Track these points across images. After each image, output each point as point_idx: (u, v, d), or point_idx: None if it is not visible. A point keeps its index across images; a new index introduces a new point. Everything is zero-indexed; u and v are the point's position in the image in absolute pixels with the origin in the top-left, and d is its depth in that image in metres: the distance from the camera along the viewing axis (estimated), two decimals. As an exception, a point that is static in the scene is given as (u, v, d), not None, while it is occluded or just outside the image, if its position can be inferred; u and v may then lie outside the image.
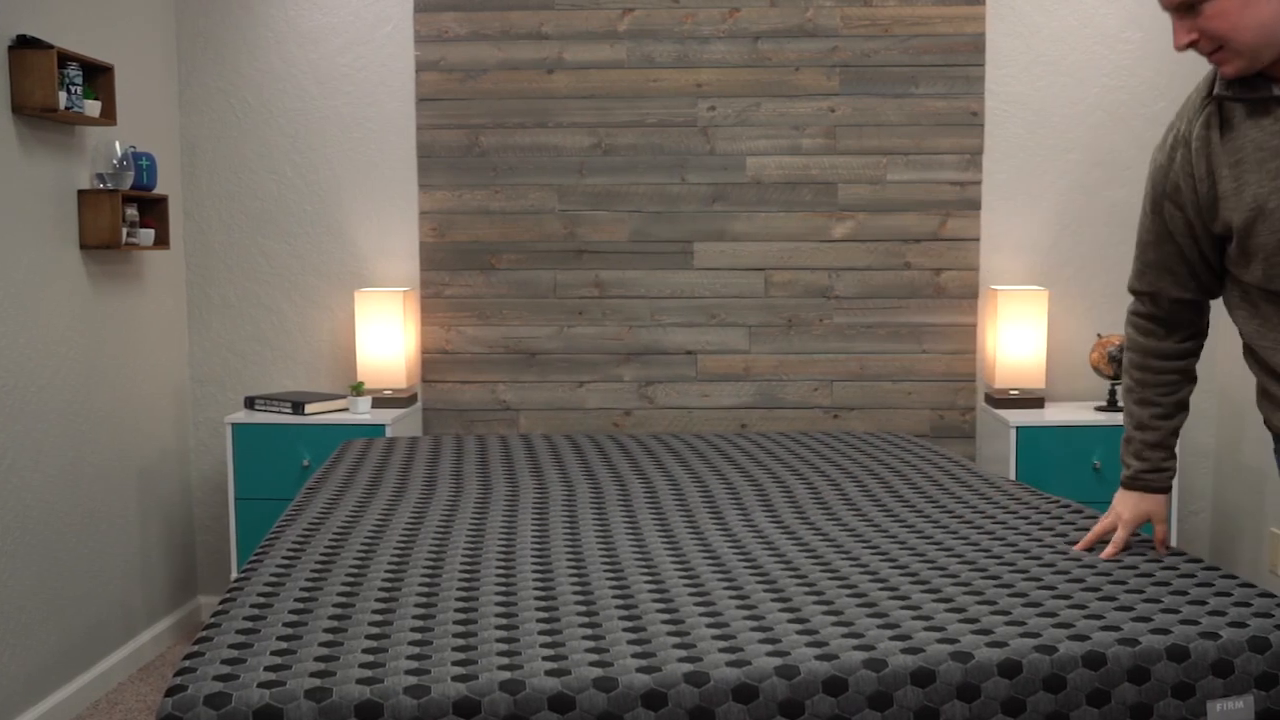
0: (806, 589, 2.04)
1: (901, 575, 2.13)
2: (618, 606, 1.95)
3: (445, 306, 4.22)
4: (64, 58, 3.29)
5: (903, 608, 1.93)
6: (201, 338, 4.28)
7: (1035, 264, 4.19)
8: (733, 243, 4.17)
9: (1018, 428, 3.83)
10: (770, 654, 1.72)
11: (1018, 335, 4.00)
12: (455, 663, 1.71)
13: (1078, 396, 4.23)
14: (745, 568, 2.19)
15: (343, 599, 2.01)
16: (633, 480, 3.02)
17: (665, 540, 2.41)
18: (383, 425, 3.88)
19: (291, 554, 2.29)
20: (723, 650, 1.74)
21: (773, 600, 1.98)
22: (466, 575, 2.13)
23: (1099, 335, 4.13)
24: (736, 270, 4.18)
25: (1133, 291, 2.15)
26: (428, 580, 2.11)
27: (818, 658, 1.70)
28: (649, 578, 2.12)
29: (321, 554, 2.29)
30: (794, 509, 2.69)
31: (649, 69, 4.14)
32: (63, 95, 3.25)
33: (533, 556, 2.27)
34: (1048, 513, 2.61)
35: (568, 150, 4.16)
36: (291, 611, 1.94)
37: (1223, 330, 4.15)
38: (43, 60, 3.16)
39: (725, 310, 4.19)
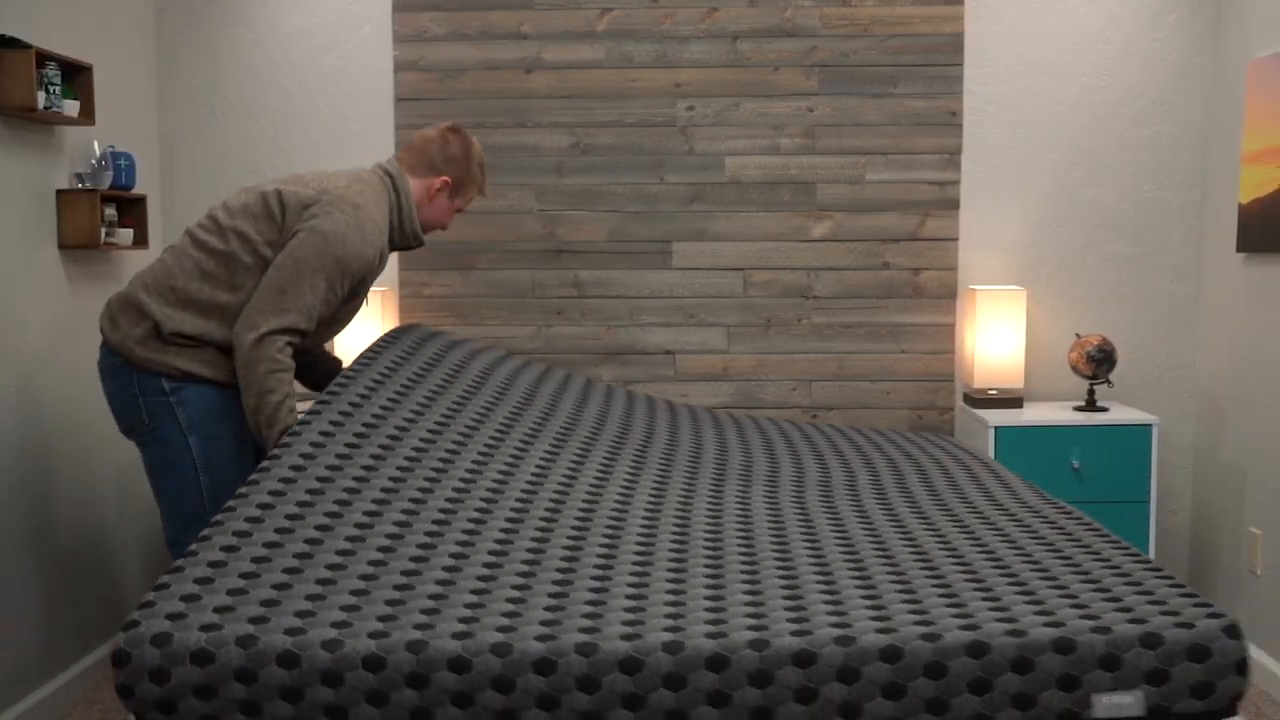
0: (712, 571, 2.12)
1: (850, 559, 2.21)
2: (633, 572, 2.03)
3: (424, 306, 4.31)
4: (43, 57, 3.36)
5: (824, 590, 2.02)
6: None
7: (1014, 264, 4.28)
8: (712, 242, 4.26)
9: (996, 427, 3.91)
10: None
11: (996, 335, 4.08)
12: (379, 618, 1.87)
13: (1056, 396, 4.32)
14: (707, 542, 2.27)
15: (308, 545, 2.13)
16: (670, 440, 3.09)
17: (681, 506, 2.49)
18: (361, 424, 3.95)
19: (279, 489, 2.36)
20: (745, 620, 1.82)
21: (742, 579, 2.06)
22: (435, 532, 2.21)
23: (1078, 335, 4.21)
24: (715, 270, 4.27)
25: (298, 330, 2.84)
26: (394, 532, 2.20)
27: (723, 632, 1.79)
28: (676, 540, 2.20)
29: (305, 494, 2.35)
30: (768, 489, 2.78)
31: (628, 69, 4.23)
32: (41, 95, 3.33)
33: (538, 520, 2.34)
34: (1038, 511, 2.69)
35: (547, 150, 4.25)
36: (254, 559, 2.07)
37: (1202, 329, 4.24)
38: (21, 60, 3.23)
39: (704, 310, 4.28)
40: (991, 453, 3.91)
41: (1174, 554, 4.36)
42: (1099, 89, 4.22)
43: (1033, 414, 4.02)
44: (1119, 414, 4.00)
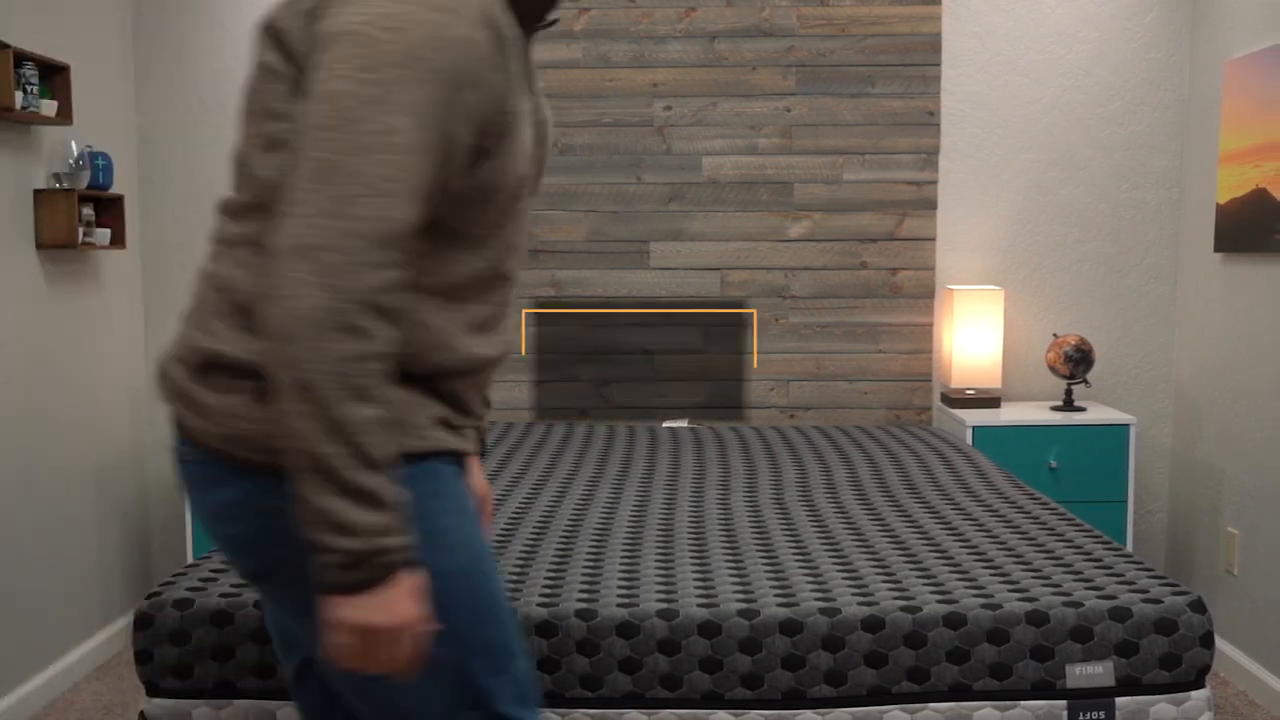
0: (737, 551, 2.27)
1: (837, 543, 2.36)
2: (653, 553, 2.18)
3: (403, 306, 4.44)
4: (20, 57, 3.48)
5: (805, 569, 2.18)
6: (158, 337, 4.51)
7: (991, 264, 4.42)
8: (689, 242, 4.41)
9: (974, 427, 4.04)
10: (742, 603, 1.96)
11: (974, 335, 4.22)
12: None
13: (1033, 396, 4.46)
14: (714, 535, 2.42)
15: None
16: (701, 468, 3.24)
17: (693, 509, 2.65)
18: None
19: None
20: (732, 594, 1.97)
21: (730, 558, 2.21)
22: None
23: (1055, 335, 4.36)
24: (693, 270, 4.41)
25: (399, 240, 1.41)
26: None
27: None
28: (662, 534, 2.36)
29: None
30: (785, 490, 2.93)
31: (605, 69, 4.38)
32: (19, 95, 3.45)
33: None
34: (1014, 503, 2.85)
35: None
36: None
37: (1180, 329, 4.38)
38: (-2, 61, 3.37)
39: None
40: (968, 452, 4.05)
41: (1151, 554, 4.50)
42: (1076, 89, 4.37)
43: (1010, 414, 4.15)
44: (1096, 414, 4.13)
